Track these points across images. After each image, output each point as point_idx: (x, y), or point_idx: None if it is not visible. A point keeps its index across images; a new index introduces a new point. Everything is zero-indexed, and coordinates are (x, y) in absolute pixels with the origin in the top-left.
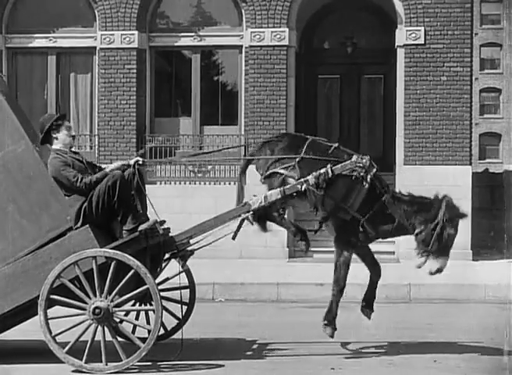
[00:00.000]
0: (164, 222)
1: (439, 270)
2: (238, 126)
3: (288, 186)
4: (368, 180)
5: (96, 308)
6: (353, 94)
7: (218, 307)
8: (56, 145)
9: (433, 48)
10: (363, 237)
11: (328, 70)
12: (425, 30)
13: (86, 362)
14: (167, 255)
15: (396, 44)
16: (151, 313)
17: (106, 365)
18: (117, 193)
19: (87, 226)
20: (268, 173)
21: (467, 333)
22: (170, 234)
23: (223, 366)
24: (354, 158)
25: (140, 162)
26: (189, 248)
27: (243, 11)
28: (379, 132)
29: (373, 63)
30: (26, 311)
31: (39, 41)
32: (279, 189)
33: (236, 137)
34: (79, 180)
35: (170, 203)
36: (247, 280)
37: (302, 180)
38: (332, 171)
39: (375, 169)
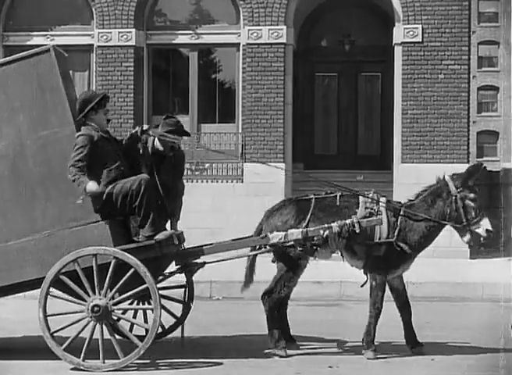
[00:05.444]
0: (181, 233)
1: (489, 231)
2: (235, 124)
3: (311, 228)
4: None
5: (95, 306)
6: (350, 92)
7: (215, 305)
8: (90, 122)
9: (431, 46)
10: (398, 256)
11: (326, 68)
12: (423, 28)
13: (84, 360)
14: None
15: (394, 42)
16: (148, 311)
17: (104, 363)
18: (139, 199)
19: (105, 222)
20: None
21: (464, 332)
22: (184, 247)
23: (221, 364)
24: (379, 217)
25: (145, 128)
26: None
27: (240, 9)
28: (377, 130)
29: (371, 61)
30: (23, 288)
31: (36, 39)
32: (301, 229)
33: (234, 135)
34: (74, 170)
35: None
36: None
37: (326, 225)
38: (359, 225)
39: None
